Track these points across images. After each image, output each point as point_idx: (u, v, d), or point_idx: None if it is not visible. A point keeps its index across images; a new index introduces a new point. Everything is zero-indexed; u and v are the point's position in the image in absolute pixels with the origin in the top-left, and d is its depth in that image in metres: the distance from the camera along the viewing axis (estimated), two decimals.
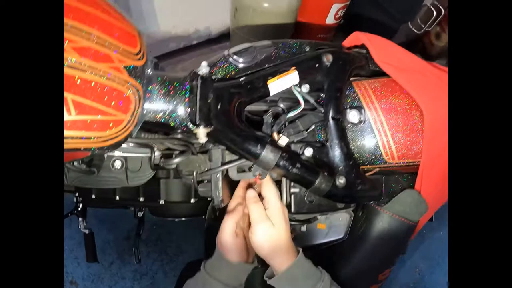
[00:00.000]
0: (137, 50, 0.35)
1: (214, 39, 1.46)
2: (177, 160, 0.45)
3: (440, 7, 1.39)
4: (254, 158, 0.45)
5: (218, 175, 0.47)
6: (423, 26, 1.58)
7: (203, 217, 0.89)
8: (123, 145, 0.50)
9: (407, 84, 0.54)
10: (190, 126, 0.38)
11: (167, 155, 0.49)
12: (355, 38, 0.61)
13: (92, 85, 0.31)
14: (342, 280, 0.59)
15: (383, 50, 0.59)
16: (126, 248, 1.15)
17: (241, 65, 0.51)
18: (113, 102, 0.32)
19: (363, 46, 0.61)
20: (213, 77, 0.42)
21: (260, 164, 0.46)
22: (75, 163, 0.51)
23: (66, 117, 0.29)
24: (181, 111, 0.39)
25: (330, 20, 1.27)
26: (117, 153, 0.51)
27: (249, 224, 0.51)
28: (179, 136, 0.45)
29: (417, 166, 0.56)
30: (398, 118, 0.54)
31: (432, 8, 1.42)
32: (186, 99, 0.39)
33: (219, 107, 0.42)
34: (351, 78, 0.58)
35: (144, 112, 0.37)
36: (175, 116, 0.39)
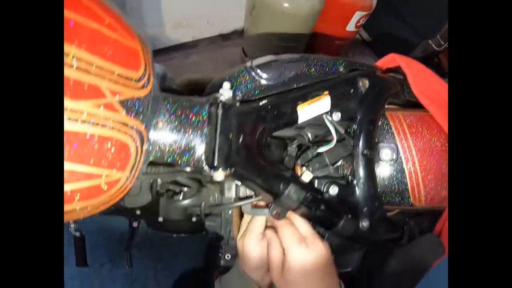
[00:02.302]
0: (139, 74, 0.25)
1: (227, 35, 1.38)
2: (186, 202, 0.39)
3: None
4: (275, 197, 0.39)
5: (230, 212, 0.41)
6: (442, 43, 1.55)
7: (204, 233, 0.84)
8: None
9: (444, 123, 0.49)
10: (206, 169, 0.31)
11: (173, 191, 0.42)
12: (391, 60, 0.56)
13: (78, 140, 0.22)
14: None
15: (421, 79, 0.53)
16: (118, 251, 1.08)
17: (264, 82, 0.44)
18: (103, 161, 0.23)
19: (398, 70, 0.55)
20: (237, 102, 0.36)
21: (281, 204, 0.40)
22: None
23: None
24: (196, 149, 0.32)
25: (350, 27, 1.20)
26: None
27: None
28: (188, 169, 0.38)
29: (442, 210, 0.51)
30: (431, 160, 0.48)
31: None
32: (203, 134, 0.32)
33: (240, 140, 0.35)
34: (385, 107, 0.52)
35: (149, 149, 0.30)
36: (188, 156, 0.31)
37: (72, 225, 0.73)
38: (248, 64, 0.46)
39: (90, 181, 0.23)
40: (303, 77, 0.46)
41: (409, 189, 0.48)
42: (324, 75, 0.48)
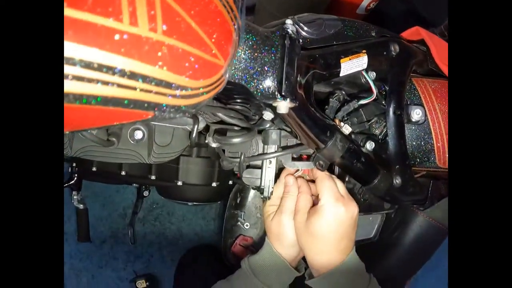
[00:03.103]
0: None
1: None
2: (238, 139, 0.37)
3: None
4: (320, 146, 0.39)
5: (273, 162, 0.41)
6: (446, 33, 1.61)
7: (219, 202, 0.81)
8: None
9: None
10: (278, 97, 0.31)
11: (219, 131, 0.40)
12: (415, 32, 0.57)
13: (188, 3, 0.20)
14: None
15: (443, 51, 0.56)
16: (120, 226, 1.02)
17: (305, 34, 0.44)
18: (216, 35, 0.21)
19: (421, 43, 0.57)
20: (300, 38, 0.35)
21: (325, 153, 0.40)
22: (94, 131, 0.41)
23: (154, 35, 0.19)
24: (267, 75, 0.31)
25: (361, 10, 1.23)
26: (151, 122, 0.41)
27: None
28: (238, 106, 0.37)
29: None
30: None
31: None
32: (273, 60, 0.31)
33: (298, 78, 0.35)
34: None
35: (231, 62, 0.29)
36: (258, 80, 0.31)
37: (75, 197, 0.69)
38: (291, 18, 0.46)
39: (199, 53, 0.21)
40: (341, 36, 0.47)
41: (435, 149, 0.50)
42: (359, 37, 0.49)
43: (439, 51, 0.56)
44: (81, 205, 0.67)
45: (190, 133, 0.41)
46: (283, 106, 0.32)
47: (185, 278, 0.86)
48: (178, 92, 0.23)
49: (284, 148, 0.42)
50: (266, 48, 0.31)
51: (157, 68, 0.21)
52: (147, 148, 0.49)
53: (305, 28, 0.44)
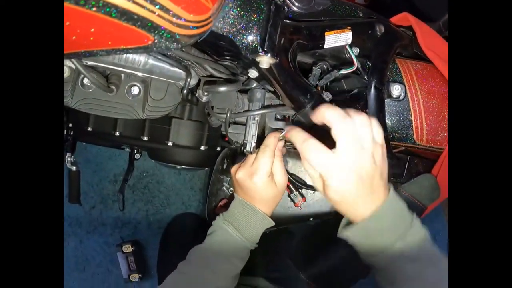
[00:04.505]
0: None
1: None
2: (224, 88, 0.41)
3: None
4: (300, 107, 0.42)
5: (256, 118, 0.44)
6: (444, 30, 1.60)
7: (206, 169, 0.83)
8: (157, 63, 0.44)
9: (446, 74, 0.55)
10: (260, 50, 0.34)
11: (210, 81, 0.44)
12: (403, 18, 0.61)
13: None
14: (348, 250, 0.58)
15: (429, 37, 0.59)
16: (110, 193, 1.05)
17: (295, 9, 0.47)
18: None
19: (409, 29, 0.60)
20: (285, 6, 0.39)
21: (304, 114, 0.43)
22: (95, 75, 0.44)
23: None
24: (252, 32, 0.35)
25: (360, 0, 1.27)
26: (141, 74, 0.44)
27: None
28: (226, 63, 0.40)
29: (437, 153, 0.57)
30: (434, 103, 0.54)
31: None
32: (258, 20, 0.34)
33: (282, 42, 0.38)
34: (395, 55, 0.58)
35: (218, 15, 0.32)
36: (244, 35, 0.35)
37: (68, 159, 0.71)
38: None
39: None
40: (330, 13, 0.50)
41: (413, 126, 0.53)
42: (346, 16, 0.52)
43: (425, 37, 0.59)
44: (74, 167, 0.70)
45: (183, 88, 0.44)
46: (265, 60, 0.35)
47: (170, 245, 0.89)
48: (174, 20, 0.27)
49: (267, 107, 0.45)
50: (253, 8, 0.35)
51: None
52: (142, 104, 0.52)
53: (296, 4, 0.47)
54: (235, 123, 0.48)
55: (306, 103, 0.42)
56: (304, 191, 0.66)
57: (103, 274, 1.03)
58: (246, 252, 0.50)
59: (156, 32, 0.27)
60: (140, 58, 0.42)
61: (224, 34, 0.34)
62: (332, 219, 0.64)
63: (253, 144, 0.45)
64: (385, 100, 0.53)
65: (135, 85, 0.52)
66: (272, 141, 0.45)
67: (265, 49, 0.34)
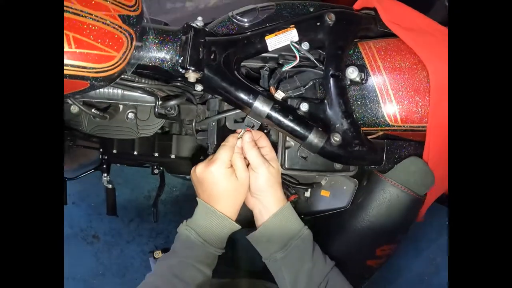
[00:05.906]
0: (132, 3, 0.40)
1: None
2: (173, 102, 0.50)
3: None
4: (247, 107, 0.47)
5: (214, 123, 0.51)
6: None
7: None
8: (131, 93, 0.55)
9: (413, 43, 0.52)
10: (180, 69, 0.41)
11: (166, 98, 0.53)
12: (366, 1, 0.60)
13: (90, 27, 0.36)
14: (336, 249, 0.58)
15: (391, 11, 0.57)
16: (145, 207, 1.25)
17: (246, 25, 0.53)
18: (107, 41, 0.37)
19: (374, 9, 0.60)
20: (206, 28, 0.45)
21: (253, 114, 0.48)
22: (93, 110, 0.57)
23: (67, 49, 0.35)
24: (174, 57, 0.43)
25: None
26: (127, 103, 0.56)
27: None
28: (178, 84, 0.49)
29: (420, 131, 0.54)
30: (402, 78, 0.52)
31: None
32: (179, 48, 0.42)
33: (212, 57, 0.45)
34: (358, 39, 0.58)
35: (140, 54, 0.41)
36: (168, 61, 0.43)
37: (104, 178, 0.87)
38: (230, 13, 0.55)
39: (96, 52, 0.37)
40: (275, 18, 0.54)
41: (382, 106, 0.52)
42: (295, 15, 0.55)
43: (388, 11, 0.57)
44: (110, 185, 0.85)
45: (154, 107, 0.55)
46: (191, 76, 0.42)
47: None
48: (92, 70, 0.37)
49: (221, 112, 0.51)
50: (170, 38, 0.43)
51: (77, 61, 0.36)
52: (136, 125, 0.65)
53: (245, 20, 0.53)
54: (201, 130, 0.56)
55: (251, 103, 0.47)
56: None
57: (140, 279, 1.18)
58: (212, 257, 0.50)
59: (87, 79, 0.38)
60: (117, 91, 0.54)
61: (151, 64, 0.42)
62: (324, 216, 0.65)
63: (214, 145, 0.51)
64: (351, 87, 0.54)
65: (131, 111, 0.64)
66: (231, 139, 0.50)
67: (187, 67, 0.41)
